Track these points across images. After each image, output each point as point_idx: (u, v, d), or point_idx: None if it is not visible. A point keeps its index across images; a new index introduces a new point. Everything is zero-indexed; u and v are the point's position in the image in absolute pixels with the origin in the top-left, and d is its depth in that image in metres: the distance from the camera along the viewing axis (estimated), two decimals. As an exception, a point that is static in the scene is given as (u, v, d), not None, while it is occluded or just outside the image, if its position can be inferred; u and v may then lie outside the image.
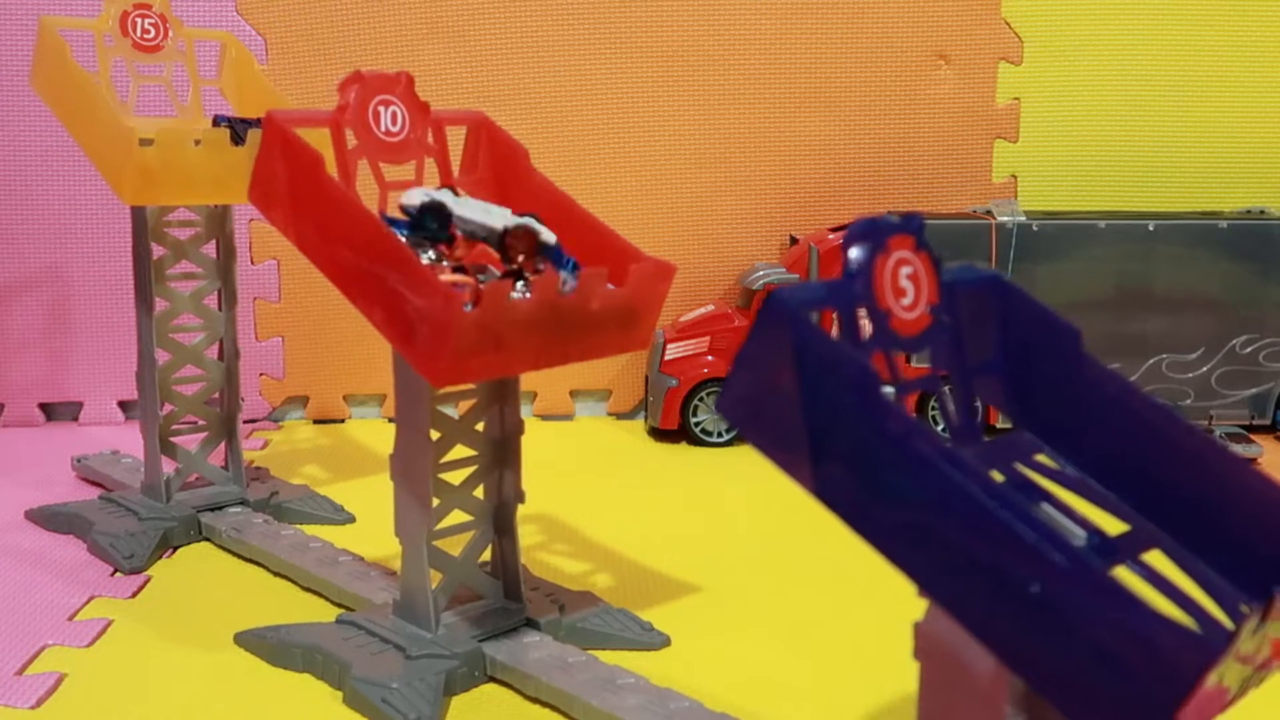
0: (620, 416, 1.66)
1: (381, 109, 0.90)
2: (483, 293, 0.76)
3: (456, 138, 0.95)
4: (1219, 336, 1.51)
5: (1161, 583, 0.47)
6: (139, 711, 0.83)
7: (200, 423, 1.21)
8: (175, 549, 1.13)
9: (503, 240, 0.83)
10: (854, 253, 0.49)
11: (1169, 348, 1.51)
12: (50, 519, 1.18)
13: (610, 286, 0.84)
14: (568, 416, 1.66)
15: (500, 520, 0.92)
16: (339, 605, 0.99)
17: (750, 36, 1.60)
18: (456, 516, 0.90)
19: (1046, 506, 0.50)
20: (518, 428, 0.91)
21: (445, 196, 0.83)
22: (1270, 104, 1.65)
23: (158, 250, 1.16)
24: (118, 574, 1.06)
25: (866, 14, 1.60)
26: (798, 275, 1.53)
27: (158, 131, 1.05)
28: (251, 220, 1.56)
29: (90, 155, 1.10)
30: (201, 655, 0.91)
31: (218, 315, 1.21)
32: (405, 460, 0.87)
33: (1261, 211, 1.56)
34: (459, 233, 0.84)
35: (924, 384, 0.53)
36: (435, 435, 0.87)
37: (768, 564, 1.10)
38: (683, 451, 1.49)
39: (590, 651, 0.86)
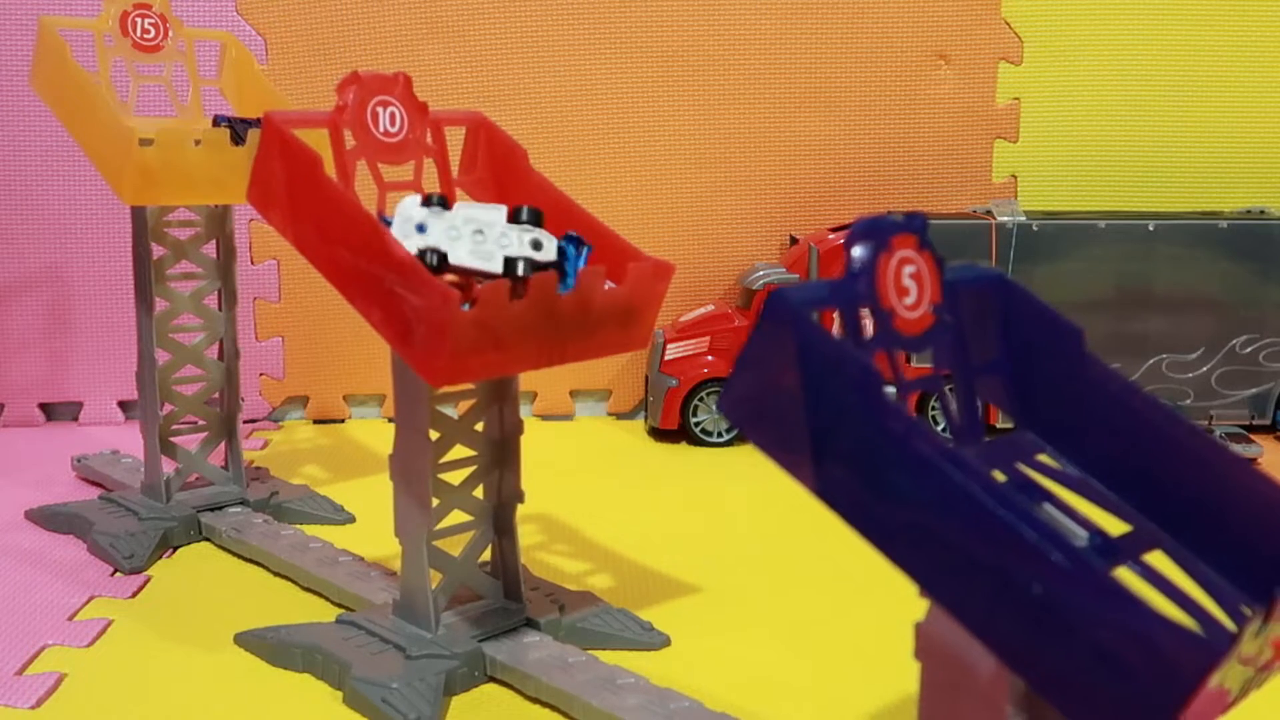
0: (620, 416, 1.66)
1: (380, 110, 0.90)
2: (481, 292, 0.75)
3: (456, 138, 0.95)
4: (1219, 336, 1.51)
5: (1163, 583, 0.47)
6: (139, 711, 0.82)
7: (200, 423, 1.21)
8: (175, 549, 1.13)
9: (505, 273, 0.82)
10: (857, 251, 0.49)
11: (1169, 348, 1.51)
12: (50, 519, 1.18)
13: (610, 285, 0.84)
14: (568, 416, 1.66)
15: (500, 520, 0.92)
16: (339, 605, 0.99)
17: (750, 36, 1.60)
18: (456, 516, 0.90)
19: (1048, 506, 0.50)
20: (517, 428, 0.91)
21: (436, 221, 0.82)
22: (1270, 104, 1.65)
23: (158, 250, 1.16)
24: (118, 574, 1.06)
25: (866, 14, 1.60)
26: (798, 275, 1.53)
27: (158, 131, 1.05)
28: (251, 220, 1.56)
29: (90, 155, 1.10)
30: (201, 655, 0.91)
31: (218, 315, 1.21)
32: (405, 460, 0.87)
33: (1261, 211, 1.56)
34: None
35: (926, 384, 0.53)
36: (435, 435, 0.87)
37: (768, 564, 1.10)
38: (683, 451, 1.49)
39: (590, 651, 0.86)
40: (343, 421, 1.63)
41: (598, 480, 1.38)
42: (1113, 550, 0.49)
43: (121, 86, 1.16)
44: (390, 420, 0.87)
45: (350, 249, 0.80)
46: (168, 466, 1.18)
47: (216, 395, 1.22)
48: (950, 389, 0.55)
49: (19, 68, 1.48)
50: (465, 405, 0.91)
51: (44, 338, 1.57)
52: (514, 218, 0.84)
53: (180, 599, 1.02)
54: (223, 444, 1.22)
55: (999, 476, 0.51)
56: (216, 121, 1.14)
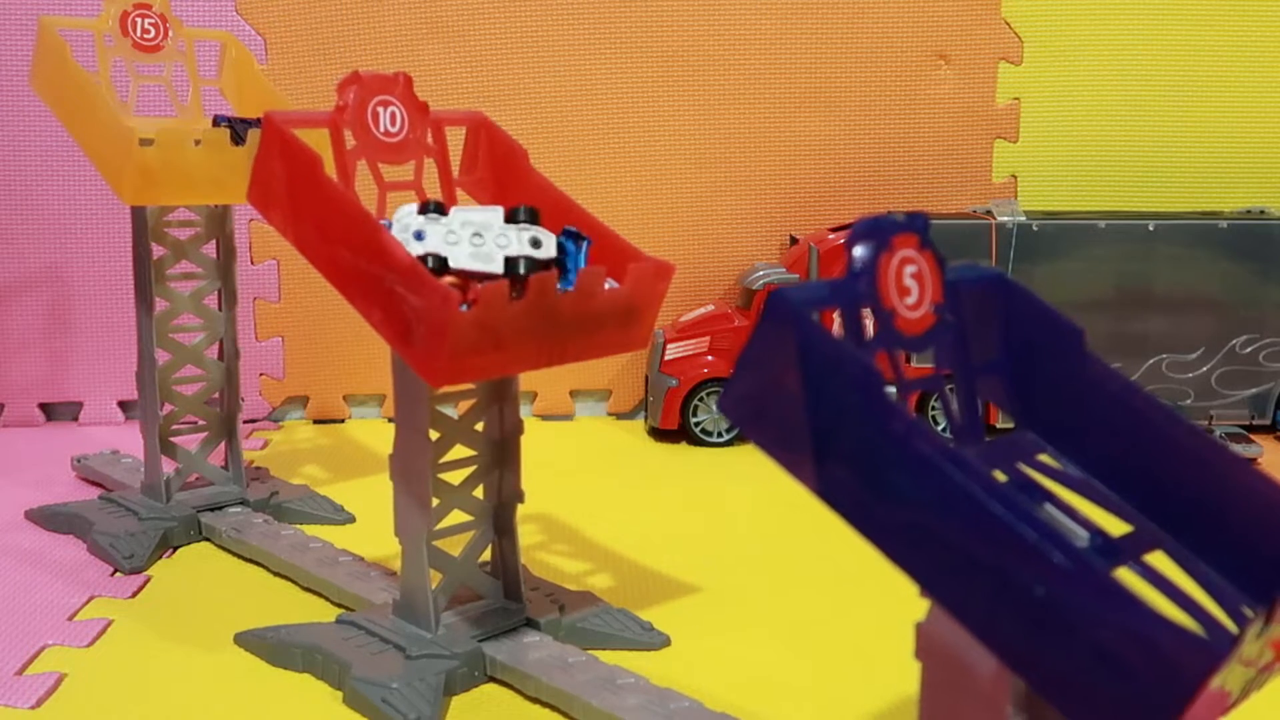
0: (620, 416, 1.66)
1: (380, 109, 0.90)
2: (481, 293, 0.75)
3: (456, 138, 0.95)
4: (1219, 336, 1.51)
5: (1164, 584, 0.47)
6: (139, 711, 0.82)
7: (200, 423, 1.21)
8: (175, 549, 1.13)
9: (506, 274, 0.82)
10: (858, 251, 0.49)
11: (1169, 348, 1.51)
12: (50, 519, 1.18)
13: (610, 284, 0.84)
14: (568, 416, 1.66)
15: (500, 520, 0.92)
16: (339, 605, 0.99)
17: (750, 36, 1.60)
18: (456, 516, 0.90)
19: (1049, 507, 0.50)
20: (517, 428, 0.91)
21: (434, 227, 0.82)
22: (1270, 104, 1.65)
23: (158, 250, 1.16)
24: (118, 574, 1.06)
25: (866, 14, 1.60)
26: (798, 275, 1.53)
27: (158, 131, 1.05)
28: (251, 220, 1.56)
29: (90, 155, 1.10)
30: (201, 655, 0.91)
31: (218, 315, 1.21)
32: (405, 460, 0.87)
33: (1261, 211, 1.56)
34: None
35: (927, 383, 0.53)
36: (435, 435, 0.87)
37: (768, 564, 1.10)
38: (683, 451, 1.49)
39: (590, 651, 0.86)
40: (343, 421, 1.63)
41: (598, 480, 1.38)
42: (1114, 551, 0.49)
43: (121, 86, 1.16)
44: (390, 420, 0.87)
45: (350, 249, 0.80)
46: (168, 466, 1.18)
47: (216, 395, 1.22)
48: (951, 389, 0.54)
49: (19, 68, 1.48)
50: (465, 405, 0.91)
51: (44, 338, 1.57)
52: (511, 218, 0.84)
53: (180, 599, 1.02)
54: (223, 444, 1.22)
55: (1000, 476, 0.51)
56: (216, 121, 1.14)
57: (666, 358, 1.51)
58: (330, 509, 1.22)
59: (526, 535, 1.12)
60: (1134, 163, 1.66)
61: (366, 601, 0.96)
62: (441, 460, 0.88)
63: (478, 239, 0.81)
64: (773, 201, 1.64)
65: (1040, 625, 0.43)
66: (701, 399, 1.50)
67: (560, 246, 0.85)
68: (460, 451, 0.89)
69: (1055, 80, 1.64)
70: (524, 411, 1.59)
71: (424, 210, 0.83)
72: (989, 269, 0.55)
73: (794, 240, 1.61)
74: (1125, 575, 0.46)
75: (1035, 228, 1.48)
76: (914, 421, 0.45)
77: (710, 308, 1.57)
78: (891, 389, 0.47)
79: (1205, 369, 1.52)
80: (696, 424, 1.50)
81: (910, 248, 0.50)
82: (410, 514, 0.87)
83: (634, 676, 0.82)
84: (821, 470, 0.48)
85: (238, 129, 1.10)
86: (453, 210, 0.84)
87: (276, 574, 1.06)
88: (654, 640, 0.91)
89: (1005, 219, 1.49)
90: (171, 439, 1.19)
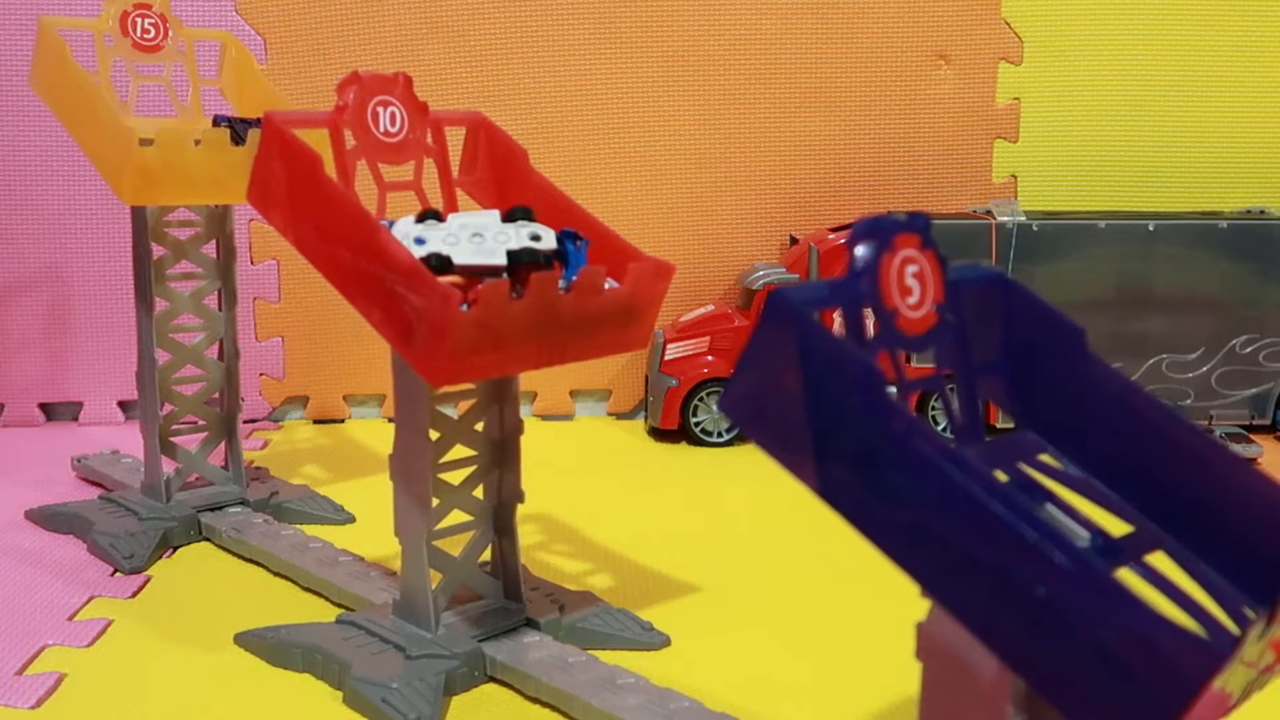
0: (620, 416, 1.66)
1: (380, 109, 0.90)
2: (481, 292, 0.75)
3: (456, 138, 0.95)
4: (1219, 336, 1.51)
5: (1165, 585, 0.47)
6: (139, 711, 0.82)
7: (200, 423, 1.21)
8: (175, 549, 1.13)
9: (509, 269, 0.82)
10: (860, 251, 0.49)
11: (1169, 348, 1.51)
12: (50, 519, 1.18)
13: (610, 284, 0.84)
14: (568, 416, 1.66)
15: (500, 520, 0.92)
16: (339, 605, 0.99)
17: (750, 36, 1.60)
18: (456, 516, 0.90)
19: (1050, 507, 0.50)
20: (517, 428, 0.91)
21: (433, 232, 0.82)
22: (1270, 104, 1.65)
23: (158, 250, 1.16)
24: (118, 574, 1.06)
25: (866, 14, 1.60)
26: (798, 275, 1.53)
27: (158, 131, 1.05)
28: (251, 220, 1.56)
29: (90, 155, 1.10)
30: (201, 655, 0.91)
31: (218, 315, 1.21)
32: (405, 460, 0.87)
33: (1261, 211, 1.56)
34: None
35: (929, 383, 0.53)
36: (435, 435, 0.87)
37: (768, 564, 1.10)
38: (683, 451, 1.49)
39: (590, 651, 0.86)
40: (343, 421, 1.63)
41: (598, 480, 1.38)
42: (1114, 551, 0.49)
43: (121, 86, 1.16)
44: (390, 420, 0.87)
45: (350, 249, 0.80)
46: (168, 466, 1.18)
47: (216, 395, 1.22)
48: (952, 389, 0.54)
49: (19, 68, 1.48)
50: (465, 405, 0.91)
51: (44, 338, 1.57)
52: (508, 219, 0.84)
53: (180, 599, 1.02)
54: (223, 444, 1.22)
55: (1000, 476, 0.51)
56: (216, 121, 1.14)
57: (666, 358, 1.51)
58: (330, 509, 1.22)
59: (526, 535, 1.12)
60: (1134, 163, 1.66)
61: (366, 601, 0.96)
62: (441, 460, 0.88)
63: (477, 238, 0.81)
64: (773, 201, 1.64)
65: (1041, 625, 0.43)
66: (701, 399, 1.50)
67: (559, 242, 0.85)
68: (460, 451, 0.89)
69: (1055, 80, 1.64)
70: (524, 411, 1.59)
71: (421, 219, 0.83)
72: (990, 269, 0.55)
73: (794, 240, 1.61)
74: (1126, 576, 0.46)
75: (1035, 228, 1.48)
76: (915, 421, 0.45)
77: (710, 308, 1.57)
78: (892, 389, 0.47)
79: (1205, 369, 1.52)
80: (696, 424, 1.50)
81: (912, 247, 0.50)
82: (410, 514, 0.87)
83: (634, 676, 0.82)
84: (822, 470, 0.48)
85: (238, 129, 1.10)
86: (449, 216, 0.85)
87: (276, 574, 1.06)
88: (654, 640, 0.91)
89: (1005, 219, 1.49)
90: (171, 439, 1.19)
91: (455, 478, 0.89)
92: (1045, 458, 0.54)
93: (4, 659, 0.89)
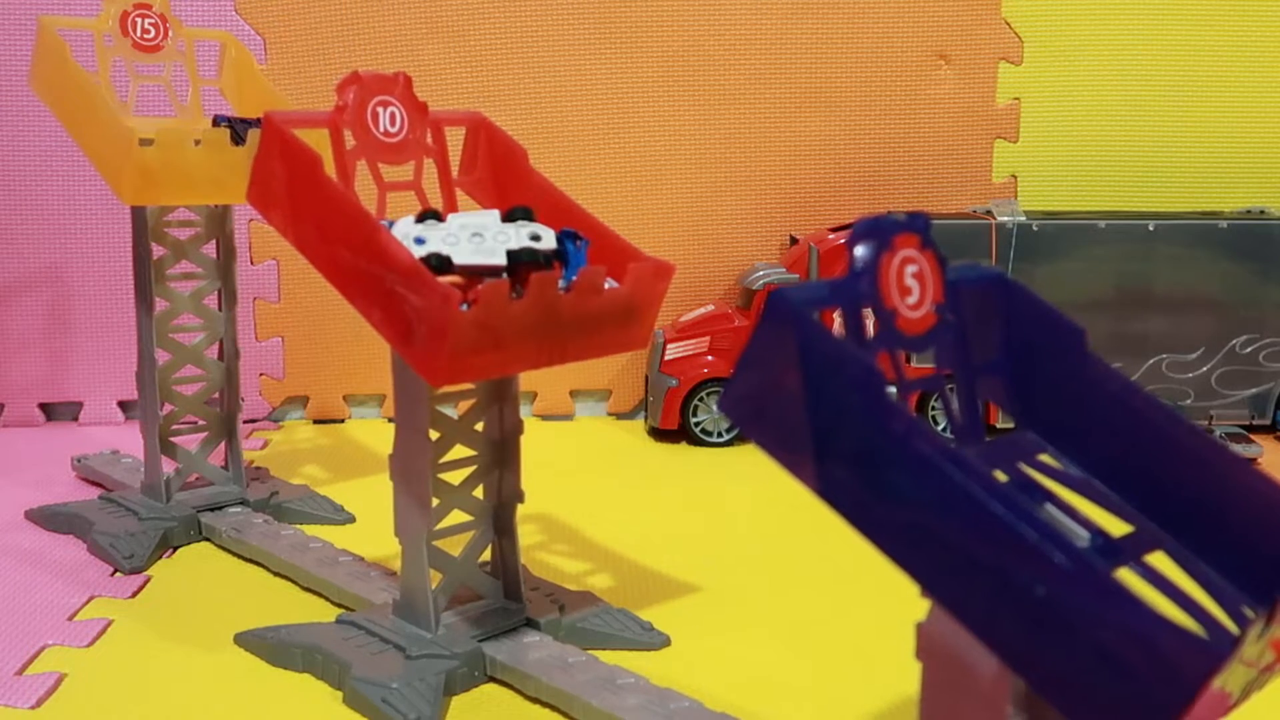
0: (620, 416, 1.66)
1: (380, 110, 0.90)
2: (481, 292, 0.75)
3: (456, 138, 0.95)
4: (1219, 336, 1.51)
5: (1164, 584, 0.47)
6: (139, 711, 0.82)
7: (200, 423, 1.21)
8: (175, 549, 1.13)
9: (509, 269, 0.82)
10: (860, 251, 0.49)
11: (1169, 348, 1.51)
12: (50, 519, 1.18)
13: (610, 284, 0.84)
14: (568, 416, 1.66)
15: (500, 520, 0.92)
16: (339, 605, 0.99)
17: (750, 36, 1.60)
18: (456, 516, 0.90)
19: (1050, 507, 0.50)
20: (517, 428, 0.91)
21: (433, 232, 0.82)
22: (1270, 104, 1.65)
23: (158, 250, 1.16)
24: (118, 574, 1.06)
25: (866, 14, 1.60)
26: (798, 275, 1.53)
27: (158, 131, 1.05)
28: (251, 220, 1.56)
29: (90, 155, 1.10)
30: (201, 655, 0.91)
31: (218, 315, 1.21)
32: (405, 460, 0.87)
33: (1261, 211, 1.56)
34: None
35: (929, 383, 0.53)
36: (435, 435, 0.87)
37: (768, 564, 1.10)
38: (683, 451, 1.49)
39: (590, 651, 0.86)
40: (343, 421, 1.63)
41: (598, 480, 1.38)
42: (1114, 551, 0.49)
43: (121, 86, 1.16)
44: (390, 420, 0.87)
45: (350, 249, 0.80)
46: (168, 466, 1.18)
47: (216, 395, 1.22)
48: (951, 389, 0.54)
49: (19, 68, 1.48)
50: (465, 405, 0.91)
51: (44, 338, 1.57)
52: (508, 219, 0.84)
53: (180, 599, 1.02)
54: (223, 444, 1.22)
55: (1000, 476, 0.51)
56: (216, 121, 1.14)
57: (666, 358, 1.51)
58: (330, 509, 1.22)
59: (527, 535, 1.12)
60: (1134, 163, 1.66)
61: (366, 601, 0.96)
62: (441, 460, 0.88)
63: (477, 238, 0.81)
64: (773, 201, 1.64)
65: (1041, 625, 0.43)
66: (701, 399, 1.50)
67: (559, 242, 0.85)
68: (460, 451, 0.89)
69: (1055, 80, 1.64)
70: (524, 411, 1.59)
71: (421, 219, 0.83)
72: (990, 269, 0.55)
73: (794, 240, 1.61)
74: (1126, 575, 0.46)
75: (1035, 228, 1.48)
76: (914, 421, 0.45)
77: (710, 308, 1.57)
78: (892, 389, 0.47)
79: (1205, 369, 1.52)
80: (696, 424, 1.50)
81: (911, 247, 0.50)
82: (410, 514, 0.87)
83: (634, 676, 0.82)
84: (822, 470, 0.48)
85: (238, 129, 1.10)
86: (449, 216, 0.85)
87: (276, 574, 1.06)
88: (654, 640, 0.91)
89: (1005, 219, 1.49)
90: (171, 439, 1.19)
91: (455, 478, 0.89)
92: (1045, 458, 0.54)
93: (4, 659, 0.89)
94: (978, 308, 0.54)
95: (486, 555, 0.92)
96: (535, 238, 0.83)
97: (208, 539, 1.14)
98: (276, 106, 1.12)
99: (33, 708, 0.82)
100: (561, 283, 0.82)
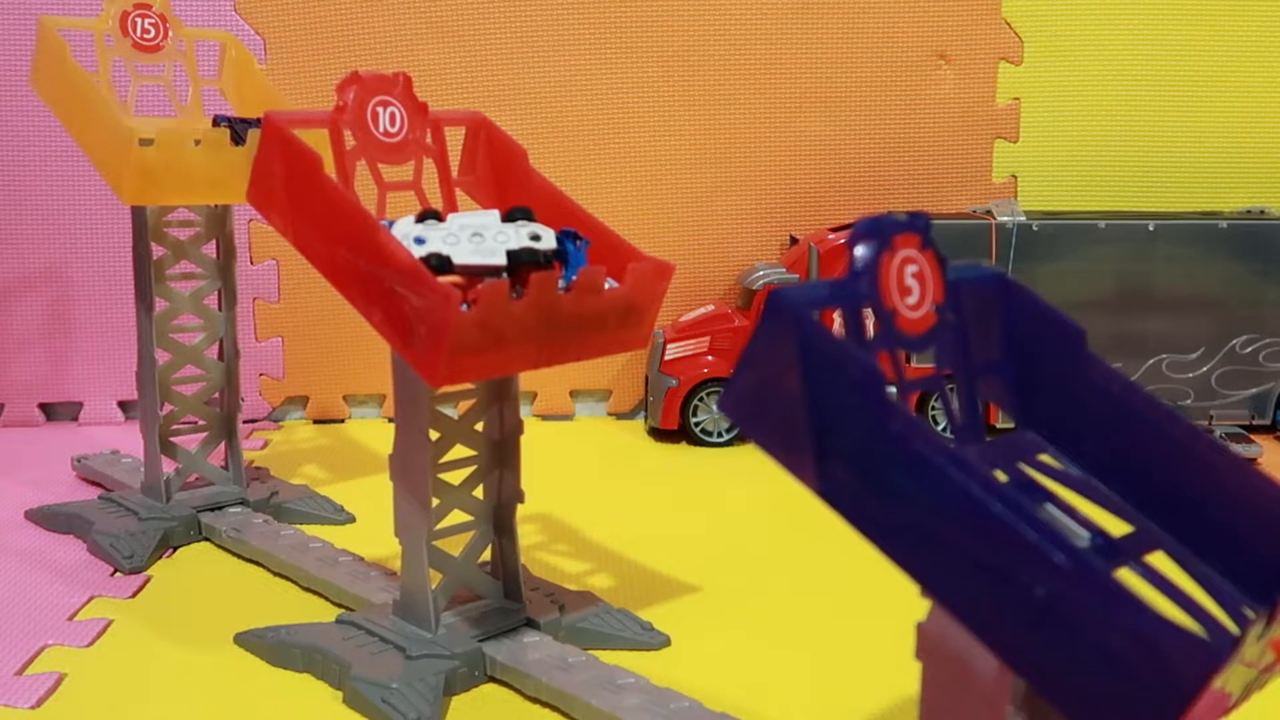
0: (620, 416, 1.66)
1: (380, 110, 0.90)
2: (481, 292, 0.75)
3: (456, 138, 0.95)
4: (1219, 336, 1.51)
5: (1165, 584, 0.47)
6: (139, 711, 0.82)
7: (200, 423, 1.21)
8: (175, 549, 1.13)
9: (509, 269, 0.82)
10: (860, 251, 0.49)
11: (1169, 348, 1.51)
12: (50, 519, 1.18)
13: (610, 284, 0.84)
14: (568, 416, 1.66)
15: (500, 520, 0.92)
16: (339, 605, 0.99)
17: (750, 36, 1.60)
18: (456, 516, 0.90)
19: (1050, 507, 0.50)
20: (517, 428, 0.91)
21: (433, 232, 0.82)
22: (1270, 104, 1.65)
23: (158, 250, 1.16)
24: (118, 574, 1.06)
25: (866, 14, 1.60)
26: (798, 275, 1.53)
27: (158, 131, 1.05)
28: (251, 220, 1.56)
29: (90, 155, 1.10)
30: (201, 655, 0.91)
31: (218, 315, 1.21)
32: (404, 460, 0.87)
33: (1261, 211, 1.56)
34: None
35: (929, 383, 0.53)
36: (434, 435, 0.87)
37: (768, 564, 1.10)
38: (683, 451, 1.49)
39: (590, 651, 0.86)
40: (343, 421, 1.63)
41: (597, 480, 1.38)
42: (1114, 551, 0.49)
43: (121, 86, 1.16)
44: (390, 420, 0.87)
45: (350, 249, 0.80)
46: (168, 466, 1.18)
47: (216, 395, 1.22)
48: (952, 388, 0.54)
49: (19, 68, 1.48)
50: (465, 405, 0.91)
51: (44, 338, 1.57)
52: (508, 219, 0.84)
53: (180, 599, 1.02)
54: (223, 444, 1.22)
55: (1000, 476, 0.51)
56: (216, 121, 1.14)
57: (666, 358, 1.51)
58: (330, 509, 1.22)
59: (527, 535, 1.13)
60: (1134, 163, 1.66)
61: (366, 601, 0.96)
62: (441, 460, 0.88)
63: (477, 238, 0.81)
64: (773, 201, 1.64)
65: (1041, 625, 0.43)
66: (701, 399, 1.50)
67: (559, 243, 0.85)
68: (460, 451, 0.89)
69: (1055, 80, 1.64)
70: (524, 411, 1.59)
71: (421, 219, 0.83)
72: (990, 269, 0.55)
73: (794, 240, 1.61)
74: (1126, 575, 0.46)
75: (1035, 228, 1.48)
76: (914, 421, 0.45)
77: (710, 308, 1.57)
78: (892, 389, 0.47)
79: (1205, 369, 1.52)
80: (696, 424, 1.50)
81: (912, 247, 0.50)
82: (410, 514, 0.87)
83: (634, 676, 0.82)
84: (822, 470, 0.48)
85: (238, 129, 1.10)
86: (449, 216, 0.85)
87: (276, 574, 1.06)
88: (654, 640, 0.91)
89: (1005, 219, 1.49)
90: (171, 439, 1.19)
91: (455, 478, 0.89)
92: (1045, 458, 0.54)
93: (4, 659, 0.89)
94: (978, 308, 0.54)
95: (486, 555, 0.92)
96: (535, 238, 0.83)
97: (208, 539, 1.14)
98: (276, 106, 1.12)
99: (33, 708, 0.82)
100: (561, 283, 0.82)
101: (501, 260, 0.81)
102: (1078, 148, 1.66)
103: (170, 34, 1.20)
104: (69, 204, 1.54)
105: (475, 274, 0.80)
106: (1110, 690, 0.42)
